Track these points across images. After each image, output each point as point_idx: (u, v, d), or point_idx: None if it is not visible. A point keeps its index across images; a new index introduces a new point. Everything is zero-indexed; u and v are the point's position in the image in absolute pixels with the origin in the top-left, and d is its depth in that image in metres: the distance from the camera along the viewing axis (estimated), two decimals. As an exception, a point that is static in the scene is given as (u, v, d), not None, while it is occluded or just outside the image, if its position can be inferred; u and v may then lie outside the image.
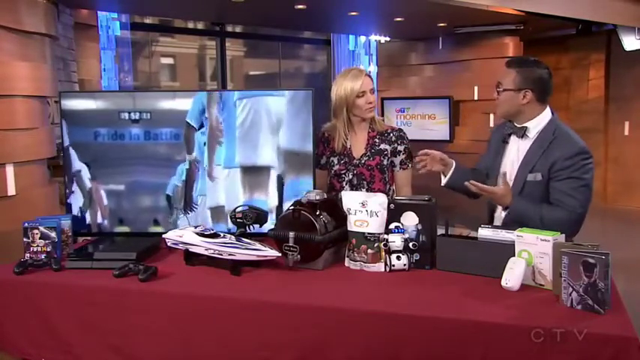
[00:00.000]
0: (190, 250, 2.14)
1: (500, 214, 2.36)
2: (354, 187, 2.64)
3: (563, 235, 1.88)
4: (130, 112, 2.48)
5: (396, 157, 2.67)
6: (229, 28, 6.84)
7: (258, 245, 2.07)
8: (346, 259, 2.14)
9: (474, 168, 2.54)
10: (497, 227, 2.03)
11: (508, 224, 2.20)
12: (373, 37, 7.43)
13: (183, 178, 2.49)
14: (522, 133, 2.28)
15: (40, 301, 1.99)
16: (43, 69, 3.69)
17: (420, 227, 2.08)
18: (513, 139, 2.34)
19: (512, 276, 1.80)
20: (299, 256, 2.04)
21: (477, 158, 2.64)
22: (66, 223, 2.32)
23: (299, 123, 2.43)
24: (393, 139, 2.67)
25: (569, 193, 2.15)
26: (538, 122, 2.26)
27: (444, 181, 2.42)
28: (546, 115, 2.27)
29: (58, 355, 1.96)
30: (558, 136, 2.21)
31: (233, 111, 2.47)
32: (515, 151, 2.32)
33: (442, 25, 6.37)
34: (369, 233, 2.06)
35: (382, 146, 2.66)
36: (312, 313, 1.76)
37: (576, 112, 7.66)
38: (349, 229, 2.12)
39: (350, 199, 2.14)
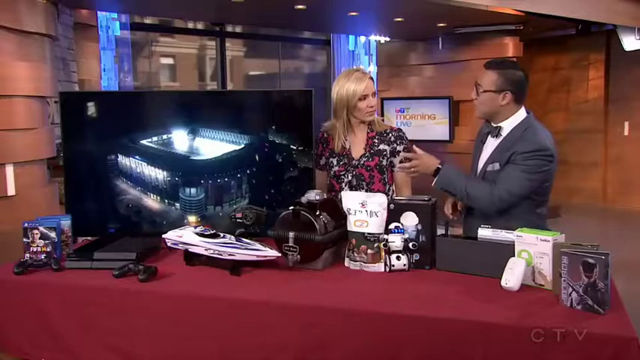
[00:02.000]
0: (190, 250, 2.14)
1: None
2: (353, 188, 2.64)
3: (563, 235, 1.88)
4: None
5: (395, 157, 2.66)
6: (229, 28, 6.84)
7: (258, 245, 2.07)
8: (346, 259, 2.14)
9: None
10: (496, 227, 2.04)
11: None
12: (373, 38, 7.43)
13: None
14: (497, 132, 2.34)
15: (40, 301, 1.99)
16: (43, 69, 3.69)
17: (419, 227, 2.08)
18: (489, 138, 2.40)
19: (512, 276, 1.80)
20: (299, 256, 2.04)
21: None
22: (66, 223, 2.31)
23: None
24: (392, 139, 2.66)
25: (506, 174, 2.21)
26: (511, 122, 2.31)
27: (433, 182, 2.43)
28: (520, 115, 2.32)
29: (58, 355, 1.96)
30: (525, 135, 2.26)
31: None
32: (489, 150, 2.38)
33: (442, 25, 6.37)
34: (368, 233, 2.06)
35: (381, 147, 2.65)
36: (312, 313, 1.76)
37: (576, 113, 7.66)
38: (349, 229, 2.12)
39: (350, 199, 2.14)
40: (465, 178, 2.29)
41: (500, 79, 2.27)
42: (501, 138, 2.32)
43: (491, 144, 2.37)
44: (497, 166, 2.28)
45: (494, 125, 2.35)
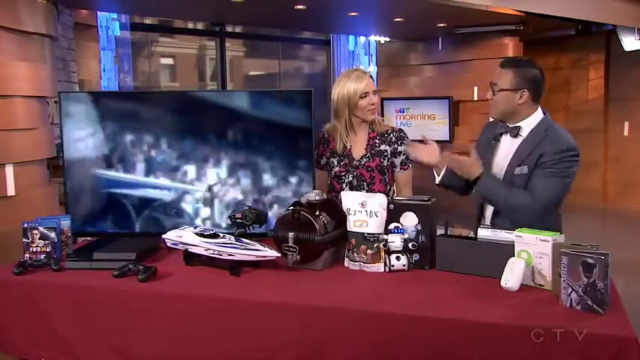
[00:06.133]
0: (190, 250, 2.14)
1: (489, 213, 2.38)
2: (353, 189, 2.63)
3: (563, 235, 1.88)
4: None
5: (396, 157, 2.66)
6: (229, 29, 6.84)
7: (257, 245, 2.06)
8: (345, 260, 2.14)
9: None
10: (495, 227, 2.03)
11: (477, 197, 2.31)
12: (373, 38, 7.44)
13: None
14: (516, 132, 2.31)
15: (39, 301, 1.99)
16: (43, 69, 3.69)
17: (419, 227, 2.08)
18: (505, 137, 2.36)
19: (512, 276, 1.80)
20: (298, 257, 2.04)
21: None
22: (66, 223, 2.31)
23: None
24: (393, 139, 2.66)
25: (542, 182, 2.18)
26: (530, 122, 2.29)
27: (437, 179, 2.45)
28: (538, 114, 2.30)
29: (58, 355, 1.96)
30: (549, 134, 2.24)
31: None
32: (507, 149, 2.34)
33: (442, 26, 6.37)
34: (368, 233, 2.06)
35: (382, 147, 2.65)
36: (312, 313, 1.76)
37: (576, 113, 7.66)
38: (349, 229, 2.12)
39: (349, 199, 2.14)
40: (505, 187, 2.23)
41: (517, 78, 2.25)
42: (521, 138, 2.28)
43: (509, 144, 2.33)
44: (525, 169, 2.23)
45: (512, 125, 2.32)
